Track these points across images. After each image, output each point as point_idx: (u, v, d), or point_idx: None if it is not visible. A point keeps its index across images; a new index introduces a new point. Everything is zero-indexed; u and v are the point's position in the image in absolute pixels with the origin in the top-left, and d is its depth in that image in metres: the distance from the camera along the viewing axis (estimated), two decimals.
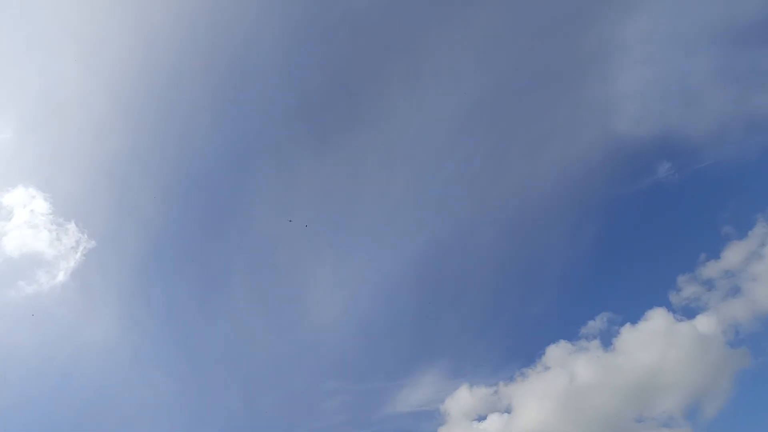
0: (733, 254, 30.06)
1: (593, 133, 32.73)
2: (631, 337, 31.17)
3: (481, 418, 30.83)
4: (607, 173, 33.24)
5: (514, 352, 34.03)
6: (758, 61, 28.88)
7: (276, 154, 35.68)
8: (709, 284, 30.72)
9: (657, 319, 30.45)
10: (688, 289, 31.03)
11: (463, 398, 31.53)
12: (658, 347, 29.82)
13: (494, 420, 30.39)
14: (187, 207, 35.03)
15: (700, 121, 30.71)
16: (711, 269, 30.59)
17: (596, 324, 31.85)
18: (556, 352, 31.76)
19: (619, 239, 34.37)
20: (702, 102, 30.42)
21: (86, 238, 31.88)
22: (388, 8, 32.78)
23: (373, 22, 33.12)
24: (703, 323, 30.09)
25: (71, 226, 31.89)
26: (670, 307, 30.97)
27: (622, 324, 31.56)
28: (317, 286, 35.40)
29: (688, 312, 31.11)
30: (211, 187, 35.13)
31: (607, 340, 31.46)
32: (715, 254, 31.07)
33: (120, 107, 32.77)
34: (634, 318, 32.92)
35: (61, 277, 31.89)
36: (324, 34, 33.01)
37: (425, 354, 34.16)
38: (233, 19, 31.74)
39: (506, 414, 30.66)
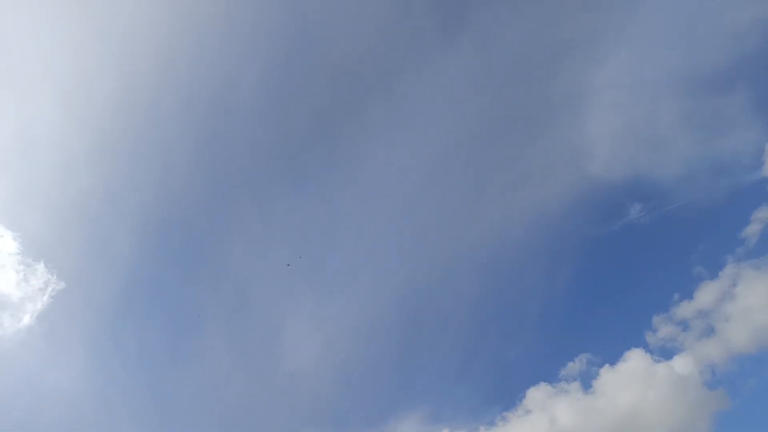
0: (706, 294, 30.57)
1: (566, 176, 33.49)
2: (610, 378, 31.12)
3: None
4: (581, 215, 33.86)
5: (495, 395, 33.60)
6: (720, 107, 30.18)
7: (255, 193, 35.58)
8: (683, 325, 31.05)
9: (635, 360, 30.53)
10: (663, 330, 31.29)
11: None
12: (637, 388, 29.79)
13: None
14: (161, 247, 34.42)
15: (669, 164, 31.69)
16: (685, 309, 30.98)
17: (576, 366, 31.74)
18: (536, 394, 31.45)
19: (594, 280, 34.72)
20: (669, 146, 31.49)
21: (55, 279, 30.92)
22: (369, 52, 33.59)
23: (354, 65, 33.85)
24: (680, 364, 30.24)
25: (40, 267, 30.95)
26: (648, 348, 31.12)
27: (601, 365, 31.52)
28: (294, 328, 34.78)
29: (665, 353, 31.27)
30: (187, 226, 34.69)
31: (587, 381, 31.33)
32: (688, 294, 31.56)
33: (96, 145, 32.47)
34: (613, 359, 32.95)
35: (26, 320, 30.69)
36: (306, 75, 33.55)
37: (405, 398, 33.51)
38: (215, 58, 32.11)
39: None
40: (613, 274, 35.06)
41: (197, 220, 35.12)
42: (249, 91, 33.70)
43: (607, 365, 31.31)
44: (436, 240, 36.33)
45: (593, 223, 33.99)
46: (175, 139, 33.65)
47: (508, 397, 32.55)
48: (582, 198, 33.84)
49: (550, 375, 33.85)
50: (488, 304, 35.50)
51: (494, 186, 35.35)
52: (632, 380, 30.16)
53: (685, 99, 31.01)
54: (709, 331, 30.48)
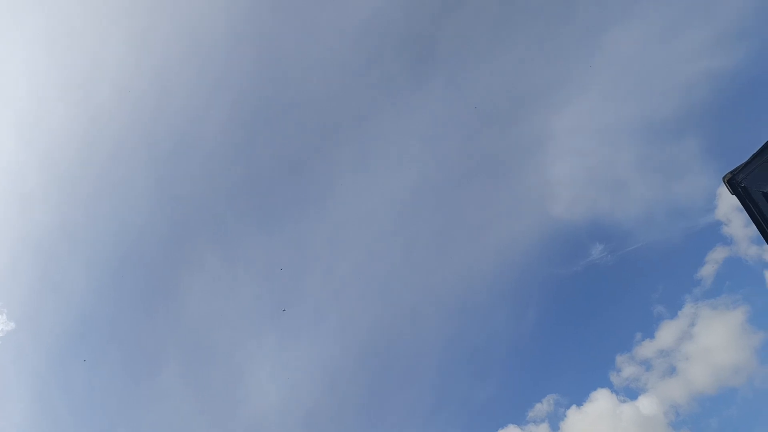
0: (667, 334, 31.43)
1: (531, 219, 34.32)
2: (578, 419, 31.12)
3: None
4: (545, 256, 34.55)
5: None
6: (674, 153, 31.93)
7: (219, 231, 34.52)
8: (646, 364, 31.68)
9: (601, 401, 30.75)
10: (627, 370, 31.79)
11: None
12: (604, 429, 29.89)
13: None
14: (118, 286, 32.65)
15: (628, 206, 33.02)
16: (647, 349, 31.68)
17: (543, 407, 31.63)
18: None
19: (560, 320, 35.22)
20: (628, 189, 32.88)
21: (5, 319, 28.73)
22: (339, 94, 33.90)
23: (324, 106, 34.00)
24: (645, 404, 30.66)
25: None
26: (613, 388, 31.46)
27: (568, 406, 31.55)
28: (258, 371, 33.29)
29: (630, 393, 31.67)
30: (146, 265, 33.12)
31: (554, 423, 31.22)
32: (650, 334, 32.35)
33: (52, 179, 30.90)
34: (580, 400, 33.08)
35: None
36: (274, 114, 33.39)
37: None
38: (182, 95, 31.54)
39: None
40: (577, 314, 35.69)
41: (157, 258, 33.63)
42: (215, 128, 33.20)
43: (574, 406, 31.40)
44: (404, 282, 36.12)
45: (557, 264, 34.73)
46: (136, 174, 32.48)
47: None
48: (546, 240, 34.64)
49: (518, 417, 33.58)
50: (456, 347, 35.25)
51: (461, 228, 35.76)
52: (599, 421, 30.29)
53: (642, 145, 32.70)
54: (671, 371, 31.22)
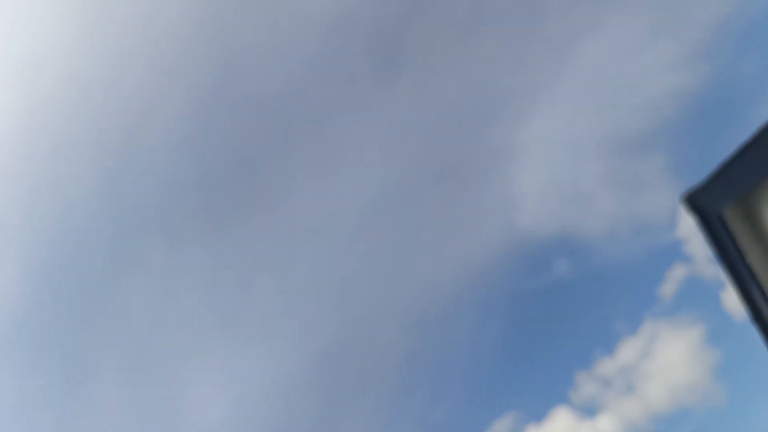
0: (626, 351, 31.33)
1: (496, 229, 33.80)
2: None
3: None
4: (508, 269, 34.09)
5: None
6: (639, 169, 31.96)
7: (164, 233, 32.84)
8: (605, 382, 31.49)
9: (560, 419, 30.34)
10: (586, 387, 31.52)
11: None
12: None
13: None
14: (51, 289, 30.65)
15: (593, 221, 32.89)
16: (606, 366, 31.51)
17: (503, 424, 31.03)
18: None
19: (520, 336, 34.76)
20: (593, 204, 32.75)
21: None
22: (298, 92, 32.74)
23: (282, 104, 32.80)
24: (604, 423, 30.42)
25: None
26: (572, 405, 31.12)
27: (527, 422, 31.04)
28: (202, 386, 31.70)
29: (589, 411, 31.38)
30: (83, 267, 31.24)
31: None
32: (609, 350, 32.22)
33: None
34: (539, 416, 32.60)
35: None
36: (230, 111, 31.99)
37: None
38: (131, 84, 29.90)
39: None
40: (538, 328, 35.34)
41: (96, 260, 31.77)
42: (166, 122, 31.60)
43: (533, 423, 30.91)
44: (361, 293, 35.11)
45: (520, 278, 34.33)
46: (75, 170, 30.61)
47: None
48: (510, 252, 34.21)
49: None
50: (414, 362, 34.42)
51: (423, 238, 35.02)
52: None
53: (608, 159, 32.66)
54: (630, 389, 31.11)
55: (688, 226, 29.31)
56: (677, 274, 31.29)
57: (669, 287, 31.34)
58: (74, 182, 30.44)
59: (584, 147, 33.23)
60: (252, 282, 34.01)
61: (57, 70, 29.07)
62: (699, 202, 6.24)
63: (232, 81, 32.13)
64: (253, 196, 33.96)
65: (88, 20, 28.66)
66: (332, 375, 33.50)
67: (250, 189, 33.90)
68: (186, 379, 31.58)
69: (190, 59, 31.12)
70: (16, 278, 29.68)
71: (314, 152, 34.31)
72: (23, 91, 29.00)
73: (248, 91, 32.44)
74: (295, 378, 32.97)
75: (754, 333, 7.33)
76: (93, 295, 31.90)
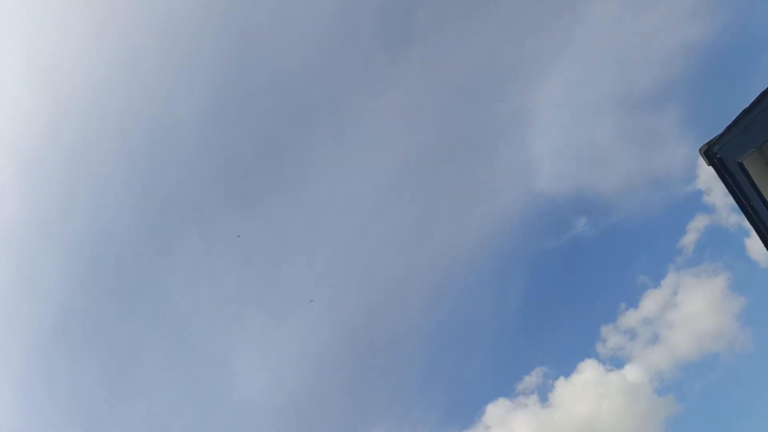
0: (650, 303, 31.44)
1: (514, 194, 33.91)
2: (566, 390, 31.19)
3: None
4: (529, 231, 34.27)
5: (453, 414, 33.02)
6: (654, 124, 31.51)
7: (195, 220, 33.76)
8: (631, 334, 31.72)
9: (588, 371, 30.79)
10: (612, 340, 31.82)
11: None
12: (591, 399, 30.00)
13: None
14: (94, 279, 31.92)
15: (609, 179, 32.69)
16: (631, 318, 31.70)
17: (532, 379, 31.65)
18: (495, 410, 31.04)
19: (545, 294, 35.10)
20: (609, 162, 32.52)
21: None
22: (314, 74, 32.91)
23: (299, 87, 33.03)
24: (631, 373, 30.77)
25: None
26: (599, 359, 31.50)
27: (556, 378, 31.59)
28: (242, 358, 32.93)
29: (616, 362, 31.74)
30: (122, 257, 32.38)
31: (543, 394, 31.28)
32: (634, 304, 32.37)
33: (21, 172, 29.87)
34: (567, 371, 33.20)
35: None
36: (248, 96, 32.37)
37: (361, 424, 32.30)
38: (150, 79, 30.40)
39: None
40: (562, 287, 35.60)
41: (133, 249, 32.89)
42: (187, 114, 32.18)
43: (562, 377, 31.42)
44: (388, 262, 35.68)
45: (541, 239, 34.46)
46: (107, 166, 31.50)
47: (467, 415, 32.01)
48: (530, 214, 34.31)
49: (507, 390, 33.65)
50: (442, 326, 35.06)
51: (445, 206, 35.27)
52: (587, 391, 30.37)
53: (622, 117, 32.24)
54: (655, 339, 31.30)
55: (707, 177, 28.96)
56: (699, 225, 30.99)
57: (691, 238, 31.11)
58: (105, 178, 31.35)
59: (598, 106, 32.78)
60: (283, 259, 34.86)
61: (77, 67, 29.69)
62: (718, 152, 6.36)
63: (247, 68, 32.38)
64: (278, 178, 34.53)
65: (102, 16, 29.09)
66: (364, 342, 34.44)
67: (275, 171, 34.46)
68: (227, 354, 32.84)
69: (204, 50, 31.41)
70: (60, 272, 30.99)
71: (334, 130, 34.59)
72: (47, 89, 29.75)
73: (264, 77, 32.69)
74: (332, 345, 34.00)
75: None
76: (133, 283, 33.14)
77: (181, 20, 29.66)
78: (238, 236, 30.69)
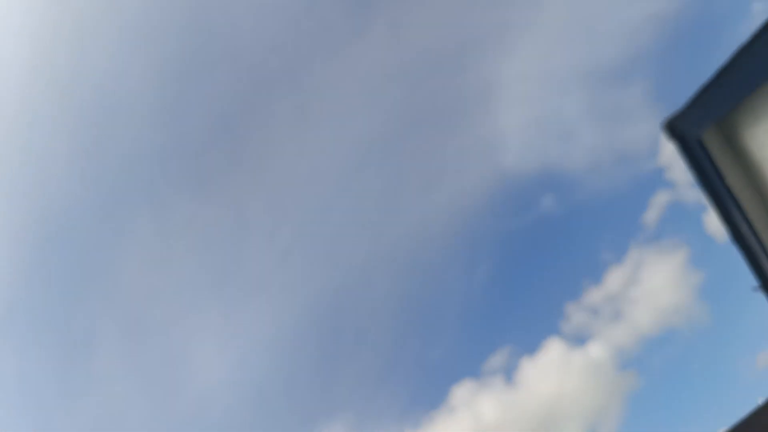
0: (613, 279, 32.23)
1: (480, 170, 33.85)
2: (531, 368, 31.84)
3: None
4: (495, 208, 34.38)
5: (419, 396, 33.24)
6: (620, 99, 31.91)
7: (148, 199, 32.54)
8: (594, 311, 32.50)
9: (553, 349, 31.47)
10: (576, 317, 32.54)
11: None
12: (556, 376, 30.75)
13: None
14: (40, 266, 30.49)
15: (576, 154, 33.06)
16: (594, 295, 32.45)
17: (497, 359, 32.12)
18: (460, 392, 31.47)
19: (510, 272, 35.46)
20: (576, 137, 32.81)
21: None
22: (273, 47, 31.86)
23: (258, 60, 31.95)
24: (594, 349, 31.63)
25: None
26: (563, 336, 32.21)
27: (521, 356, 32.16)
28: (202, 345, 32.24)
29: (579, 339, 32.52)
30: (70, 241, 31.01)
31: (509, 374, 31.84)
32: (597, 280, 33.10)
33: None
34: (532, 349, 33.78)
35: None
36: (204, 70, 31.14)
37: (327, 407, 32.18)
38: (99, 51, 28.86)
39: None
40: (527, 264, 36.07)
41: (82, 232, 31.52)
42: (138, 87, 30.73)
43: (527, 356, 32.03)
44: (353, 240, 35.34)
45: (507, 216, 34.70)
46: (47, 143, 29.86)
47: (432, 397, 32.35)
48: (496, 191, 34.43)
49: (472, 370, 34.07)
50: (408, 306, 35.10)
51: (411, 182, 35.01)
52: (551, 369, 31.09)
53: (588, 91, 32.49)
54: (617, 316, 32.18)
55: (669, 153, 29.61)
56: (660, 200, 31.85)
57: (652, 214, 31.97)
58: (46, 157, 29.79)
59: (563, 80, 32.99)
60: (244, 240, 34.09)
61: (13, 39, 27.92)
62: (678, 128, 6.31)
63: (202, 39, 31.11)
64: (237, 155, 33.53)
65: None
66: (329, 323, 34.19)
67: (233, 148, 33.44)
68: (186, 341, 32.10)
69: (156, 17, 29.98)
70: (5, 258, 29.48)
71: (295, 105, 33.72)
72: None
73: (220, 49, 31.48)
74: (294, 330, 33.61)
75: (735, 253, 7.58)
76: (84, 269, 31.83)
77: None
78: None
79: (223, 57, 31.65)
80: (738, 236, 6.87)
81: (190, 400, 31.17)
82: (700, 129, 6.23)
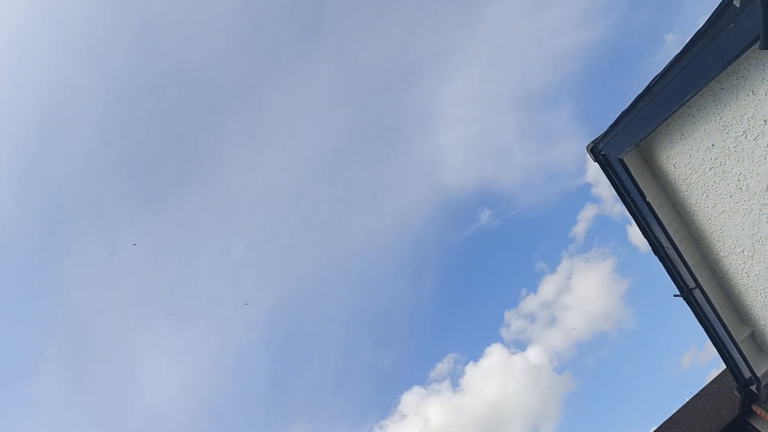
0: (547, 288, 33.61)
1: (424, 187, 34.76)
2: (475, 374, 32.63)
3: None
4: (438, 223, 35.28)
5: (371, 405, 33.53)
6: (549, 121, 33.56)
7: (95, 217, 31.69)
8: (531, 317, 33.70)
9: (495, 355, 32.40)
10: (515, 324, 33.68)
11: None
12: (498, 381, 31.62)
13: None
14: None
15: (511, 172, 34.42)
16: (531, 303, 33.70)
17: (444, 366, 32.83)
18: (410, 398, 31.88)
19: (454, 283, 36.37)
20: (510, 156, 34.22)
21: None
22: (223, 63, 31.80)
23: (207, 77, 31.80)
24: (533, 354, 32.75)
25: None
26: (504, 342, 33.22)
27: (466, 363, 32.91)
28: (151, 363, 31.43)
29: (519, 345, 33.63)
30: (14, 259, 29.80)
31: (455, 380, 32.52)
32: (533, 289, 34.39)
33: None
34: (476, 356, 34.66)
35: None
36: (152, 87, 30.72)
37: (280, 419, 31.95)
38: (42, 68, 28.02)
39: None
40: (469, 276, 37.09)
41: (26, 250, 30.35)
42: (86, 102, 30.05)
43: (471, 362, 32.80)
44: (302, 256, 35.35)
45: (449, 230, 35.68)
46: None
47: (383, 405, 32.68)
48: (438, 207, 35.33)
49: (421, 378, 34.57)
50: (357, 318, 35.36)
51: (359, 198, 35.44)
52: (494, 374, 31.94)
53: (520, 113, 33.99)
54: (552, 321, 33.48)
55: (595, 170, 31.21)
56: (588, 214, 33.56)
57: (582, 227, 33.60)
58: None
59: (498, 103, 34.39)
60: (194, 256, 33.56)
61: None
62: (602, 150, 6.88)
63: (147, 58, 30.69)
64: (185, 173, 33.10)
65: None
66: (281, 336, 34.01)
67: (182, 166, 33.00)
68: (134, 359, 31.25)
69: (106, 33, 29.37)
70: None
71: (244, 123, 33.66)
72: None
73: (167, 68, 31.13)
74: (247, 343, 33.28)
75: (657, 262, 8.25)
76: (26, 288, 30.57)
77: (76, 6, 27.58)
78: (134, 245, 29.30)
79: (172, 78, 31.33)
80: (658, 249, 7.49)
81: (141, 416, 30.33)
82: (621, 151, 6.82)
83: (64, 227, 31.05)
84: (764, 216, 6.04)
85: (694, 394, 13.15)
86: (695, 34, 5.08)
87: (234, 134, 33.05)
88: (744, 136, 5.53)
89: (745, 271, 6.98)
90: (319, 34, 32.93)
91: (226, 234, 33.56)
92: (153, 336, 32.47)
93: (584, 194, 34.66)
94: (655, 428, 12.50)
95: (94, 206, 31.38)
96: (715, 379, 13.43)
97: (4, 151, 28.19)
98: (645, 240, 7.47)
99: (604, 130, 6.99)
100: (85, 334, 31.27)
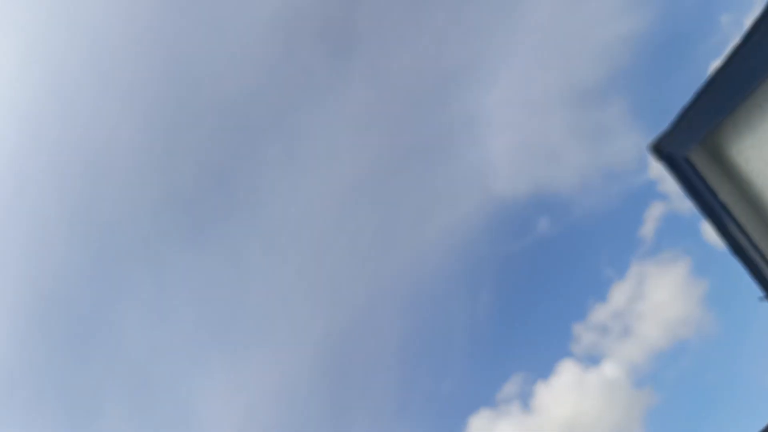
0: (618, 295, 32.03)
1: (473, 198, 34.02)
2: (546, 393, 31.33)
3: None
4: (492, 235, 34.40)
5: (436, 430, 32.60)
6: (600, 118, 32.36)
7: (144, 256, 32.38)
8: (602, 329, 32.16)
9: (566, 372, 31.02)
10: (585, 337, 32.17)
11: None
12: (572, 399, 30.25)
13: None
14: (39, 331, 30.08)
15: (565, 175, 33.31)
16: (601, 313, 32.16)
17: (511, 386, 31.60)
18: (478, 422, 30.86)
19: (514, 298, 35.23)
20: (563, 158, 33.12)
21: None
22: (257, 93, 32.29)
23: (243, 108, 32.34)
24: (608, 368, 31.19)
25: None
26: (575, 357, 31.77)
27: (535, 382, 31.64)
28: (209, 397, 31.66)
29: (592, 359, 32.08)
30: (69, 303, 30.69)
31: (524, 400, 31.31)
32: (601, 298, 32.85)
33: None
34: (545, 374, 33.23)
35: None
36: (190, 122, 31.45)
37: None
38: (84, 109, 29.12)
39: None
40: (529, 289, 35.85)
41: (80, 294, 31.23)
42: (127, 142, 30.93)
43: (540, 381, 31.54)
44: (351, 281, 35.19)
45: (504, 242, 34.69)
46: (41, 205, 29.82)
47: (450, 430, 31.71)
48: (491, 218, 34.51)
49: (487, 399, 33.48)
50: (414, 341, 34.72)
51: (405, 215, 35.09)
52: (567, 391, 30.59)
53: (570, 112, 32.97)
54: (626, 332, 31.85)
55: (659, 166, 29.95)
56: (655, 213, 31.97)
57: (649, 227, 32.04)
58: (40, 218, 29.73)
59: (545, 103, 33.52)
60: (243, 287, 33.85)
61: (3, 104, 28.17)
62: (665, 148, 6.39)
63: (186, 90, 31.54)
64: (229, 203, 33.60)
65: (29, 41, 27.75)
66: (336, 365, 33.71)
67: (223, 196, 33.53)
68: (192, 396, 31.50)
69: (140, 72, 30.39)
70: (3, 327, 29.10)
71: (283, 149, 33.98)
72: None
73: (204, 98, 31.91)
74: (301, 375, 33.09)
75: (736, 262, 7.59)
76: (83, 331, 31.45)
77: (113, 42, 28.65)
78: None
79: (208, 108, 32.07)
80: (738, 249, 6.89)
81: None
82: (686, 148, 6.31)
83: (113, 266, 31.87)
84: None
85: None
86: (758, 17, 4.60)
87: (272, 160, 33.41)
88: None
89: None
90: (350, 51, 33.09)
91: (271, 262, 33.76)
92: (208, 371, 32.77)
93: (649, 192, 33.02)
94: None
95: (141, 243, 32.17)
96: None
97: (54, 190, 29.30)
98: (722, 242, 6.87)
99: (665, 127, 6.51)
100: (143, 374, 31.84)
